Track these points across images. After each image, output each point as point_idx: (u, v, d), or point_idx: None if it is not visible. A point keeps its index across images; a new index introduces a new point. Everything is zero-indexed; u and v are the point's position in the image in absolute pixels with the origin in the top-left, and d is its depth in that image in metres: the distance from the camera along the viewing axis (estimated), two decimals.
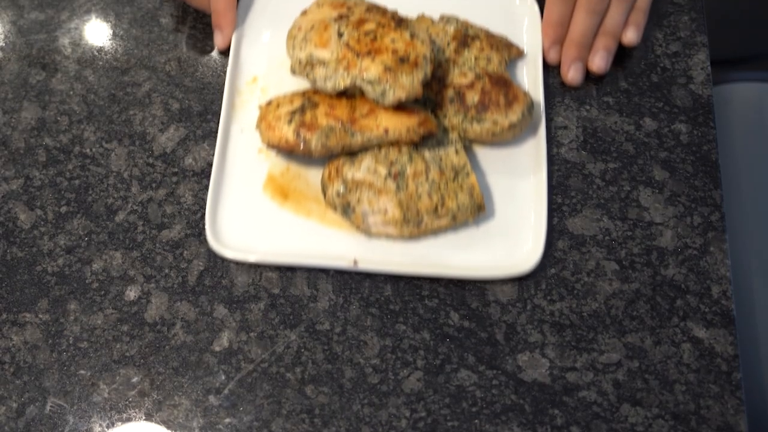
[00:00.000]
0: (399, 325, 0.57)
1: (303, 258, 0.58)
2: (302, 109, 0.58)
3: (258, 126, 0.60)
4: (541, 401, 0.55)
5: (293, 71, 0.60)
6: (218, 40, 0.67)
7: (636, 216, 0.60)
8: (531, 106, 0.59)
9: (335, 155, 0.59)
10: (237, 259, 0.58)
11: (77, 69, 0.69)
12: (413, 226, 0.57)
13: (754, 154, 0.77)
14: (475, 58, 0.61)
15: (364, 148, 0.58)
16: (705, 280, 0.58)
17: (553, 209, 0.60)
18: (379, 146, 0.58)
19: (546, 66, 0.65)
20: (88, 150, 0.65)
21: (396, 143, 0.58)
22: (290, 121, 0.58)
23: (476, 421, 0.54)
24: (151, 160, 0.64)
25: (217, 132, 0.65)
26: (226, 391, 0.56)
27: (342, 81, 0.57)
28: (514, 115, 0.58)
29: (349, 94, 0.59)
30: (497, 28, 0.65)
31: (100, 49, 0.70)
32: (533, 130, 0.62)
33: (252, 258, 0.58)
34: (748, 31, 0.95)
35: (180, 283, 0.60)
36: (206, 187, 0.63)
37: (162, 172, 0.64)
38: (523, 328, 0.57)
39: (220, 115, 0.65)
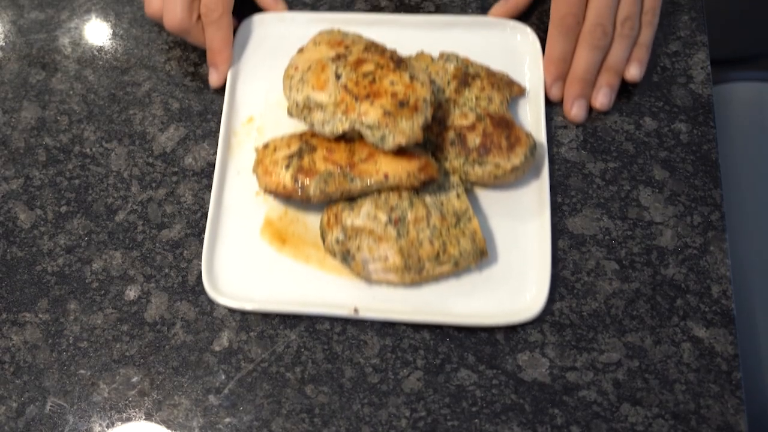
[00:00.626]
0: (399, 324, 0.57)
1: (302, 306, 0.56)
2: (300, 154, 0.57)
3: (255, 170, 0.59)
4: (541, 401, 0.55)
5: (290, 114, 0.58)
6: (213, 79, 0.65)
7: (636, 215, 0.60)
8: (533, 147, 0.58)
9: (334, 200, 0.57)
10: (234, 307, 0.57)
11: (77, 69, 0.69)
12: (414, 273, 0.55)
13: (754, 154, 0.77)
14: (476, 98, 0.60)
15: (364, 194, 0.56)
16: (705, 280, 0.58)
17: (553, 209, 0.60)
18: (379, 191, 0.56)
19: (547, 101, 0.64)
20: (88, 150, 0.65)
21: (396, 188, 0.56)
22: (288, 166, 0.56)
23: (476, 420, 0.54)
24: (151, 160, 0.64)
25: (216, 132, 0.65)
26: (226, 391, 0.56)
27: (340, 125, 0.55)
28: (517, 158, 0.57)
29: (348, 137, 0.57)
30: (498, 64, 0.64)
31: (100, 49, 0.70)
32: (536, 171, 0.60)
33: (249, 306, 0.56)
34: (748, 30, 0.95)
35: (180, 283, 0.60)
36: (206, 187, 0.63)
37: (162, 171, 0.64)
38: (523, 328, 0.57)
39: (218, 114, 0.65)
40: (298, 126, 0.62)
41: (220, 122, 0.65)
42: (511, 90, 0.62)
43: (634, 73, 0.63)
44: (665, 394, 0.54)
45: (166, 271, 0.60)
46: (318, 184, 0.55)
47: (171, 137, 0.65)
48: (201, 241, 0.61)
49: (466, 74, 0.61)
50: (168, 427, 0.55)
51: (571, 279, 0.58)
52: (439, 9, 0.69)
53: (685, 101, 0.64)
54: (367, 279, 0.57)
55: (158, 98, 0.67)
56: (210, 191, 0.63)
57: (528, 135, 0.58)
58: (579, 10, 0.62)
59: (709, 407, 0.54)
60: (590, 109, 0.64)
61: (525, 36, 0.66)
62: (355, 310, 0.56)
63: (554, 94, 0.63)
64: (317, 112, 0.56)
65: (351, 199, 0.57)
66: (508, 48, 0.66)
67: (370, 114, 0.54)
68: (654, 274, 0.58)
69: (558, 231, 0.60)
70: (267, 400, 0.55)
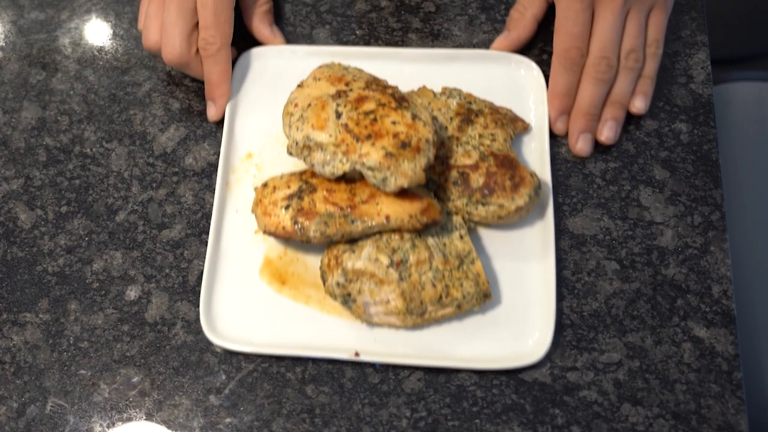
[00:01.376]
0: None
1: (302, 349, 0.55)
2: (299, 194, 0.56)
3: (254, 210, 0.57)
4: (541, 401, 0.55)
5: (290, 152, 0.57)
6: (211, 113, 0.64)
7: (636, 215, 0.60)
8: (538, 187, 0.57)
9: (335, 241, 0.56)
10: (233, 349, 0.56)
11: (77, 69, 0.69)
12: (416, 316, 0.54)
13: (755, 154, 0.77)
14: (480, 136, 0.58)
15: (365, 235, 0.55)
16: (705, 280, 0.58)
17: (554, 209, 0.60)
18: (381, 232, 0.55)
19: (552, 134, 0.63)
20: (88, 150, 0.65)
21: (398, 230, 0.55)
22: (287, 207, 0.55)
23: (477, 420, 0.54)
24: (151, 160, 0.64)
25: (216, 132, 0.65)
26: (226, 391, 0.56)
27: (341, 166, 0.54)
28: (521, 198, 0.56)
29: (349, 177, 0.56)
30: (502, 99, 0.63)
31: (101, 49, 0.70)
32: (541, 210, 0.59)
33: (248, 349, 0.55)
34: (749, 30, 0.95)
35: (180, 283, 0.60)
36: (207, 187, 0.63)
37: (162, 171, 0.64)
38: None
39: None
40: (297, 163, 0.61)
41: (219, 122, 0.65)
42: (515, 126, 0.60)
43: (639, 106, 0.62)
44: (666, 394, 0.54)
45: (167, 271, 0.60)
46: (318, 226, 0.54)
47: (171, 137, 0.65)
48: (201, 241, 0.61)
49: (469, 111, 0.60)
50: (169, 428, 0.55)
51: (571, 279, 0.58)
52: (439, 9, 0.69)
53: (685, 101, 0.64)
54: (369, 322, 0.56)
55: (158, 98, 0.67)
56: (210, 191, 0.63)
57: (532, 174, 0.57)
58: (582, 43, 0.61)
59: (709, 407, 0.54)
60: (595, 143, 0.63)
61: (529, 70, 0.64)
62: (356, 354, 0.55)
63: (559, 128, 0.62)
64: (317, 152, 0.55)
65: (352, 240, 0.56)
66: (512, 82, 0.64)
67: (371, 155, 0.53)
68: (654, 274, 0.58)
69: (559, 231, 0.60)
70: (268, 400, 0.55)
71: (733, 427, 0.53)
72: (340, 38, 0.69)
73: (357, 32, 0.69)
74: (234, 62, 0.66)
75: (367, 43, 0.68)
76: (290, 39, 0.69)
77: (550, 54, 0.64)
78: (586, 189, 0.61)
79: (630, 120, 0.64)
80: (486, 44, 0.68)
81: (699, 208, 0.60)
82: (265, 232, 0.56)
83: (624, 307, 0.57)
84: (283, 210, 0.55)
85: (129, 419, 0.56)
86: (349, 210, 0.54)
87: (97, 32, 0.71)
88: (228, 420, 0.55)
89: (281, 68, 0.66)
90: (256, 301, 0.58)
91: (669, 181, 0.61)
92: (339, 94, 0.56)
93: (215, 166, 0.63)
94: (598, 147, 0.63)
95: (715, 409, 0.54)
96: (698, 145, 0.63)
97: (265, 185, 0.58)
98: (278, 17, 0.70)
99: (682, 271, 0.58)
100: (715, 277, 0.58)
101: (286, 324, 0.57)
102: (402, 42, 0.68)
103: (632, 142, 0.63)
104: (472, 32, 0.68)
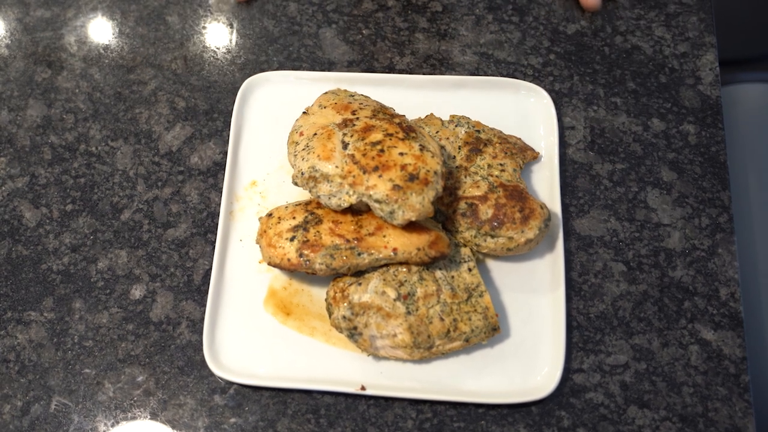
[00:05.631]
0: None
1: (306, 383, 0.54)
2: (305, 225, 0.55)
3: (258, 241, 0.57)
4: (547, 403, 0.54)
5: (295, 182, 0.56)
6: None
7: (643, 217, 0.60)
8: (548, 219, 0.56)
9: (341, 273, 0.55)
10: (237, 382, 0.55)
11: (83, 67, 0.69)
12: (424, 350, 0.53)
13: (763, 156, 0.77)
14: (488, 166, 0.58)
15: (372, 267, 0.54)
16: (713, 282, 0.57)
17: (561, 210, 0.60)
18: (387, 265, 0.54)
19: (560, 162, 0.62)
20: (93, 148, 0.65)
21: (405, 263, 0.54)
22: (292, 239, 0.54)
23: (482, 422, 0.54)
24: (156, 159, 0.64)
25: (221, 131, 0.65)
26: (231, 391, 0.56)
27: (347, 198, 0.53)
28: (531, 231, 0.55)
29: (355, 209, 0.55)
30: (511, 126, 0.62)
31: (106, 47, 0.70)
32: (550, 241, 0.58)
33: (252, 382, 0.55)
34: (758, 31, 0.95)
35: (185, 282, 0.59)
36: (212, 186, 0.63)
37: (168, 170, 0.64)
38: None
39: (224, 114, 0.65)
40: (303, 191, 0.60)
41: (225, 121, 0.65)
42: (525, 156, 0.60)
43: None
44: (673, 396, 0.54)
45: (172, 270, 0.60)
46: (324, 258, 0.53)
47: (177, 136, 0.65)
48: (207, 241, 0.61)
49: (478, 140, 0.59)
50: (173, 427, 0.55)
51: (578, 281, 0.58)
52: (446, 8, 0.69)
53: (693, 102, 0.64)
54: (375, 355, 0.55)
55: (164, 97, 0.67)
56: (215, 190, 0.62)
57: (542, 206, 0.56)
58: None
59: (717, 410, 0.54)
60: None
61: (539, 98, 0.63)
62: (362, 388, 0.54)
63: None
64: (323, 183, 0.54)
65: (358, 272, 0.55)
66: (521, 110, 0.63)
67: (378, 188, 0.52)
68: (661, 276, 0.58)
69: (565, 232, 0.59)
70: (273, 400, 0.55)
71: (741, 430, 0.53)
72: (347, 38, 0.68)
73: (363, 32, 0.69)
74: (238, 88, 0.65)
75: (373, 43, 0.68)
76: (296, 38, 0.69)
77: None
78: (593, 190, 0.61)
79: (637, 121, 0.63)
80: (493, 44, 0.67)
81: (706, 210, 0.60)
82: (269, 263, 0.55)
83: (631, 309, 0.57)
84: (289, 242, 0.54)
85: (133, 418, 0.55)
86: (355, 242, 0.53)
87: (103, 30, 0.71)
88: (233, 420, 0.55)
89: (286, 94, 0.65)
90: (260, 332, 0.57)
91: (676, 182, 0.61)
92: (345, 123, 0.55)
93: (221, 165, 0.63)
94: (606, 149, 0.63)
95: (723, 412, 0.53)
96: (706, 147, 0.62)
97: (269, 215, 0.57)
98: (284, 16, 0.70)
99: (690, 274, 0.58)
100: (723, 280, 0.57)
101: (291, 356, 0.56)
102: (409, 41, 0.68)
103: (639, 144, 0.63)
104: (479, 32, 0.68)
